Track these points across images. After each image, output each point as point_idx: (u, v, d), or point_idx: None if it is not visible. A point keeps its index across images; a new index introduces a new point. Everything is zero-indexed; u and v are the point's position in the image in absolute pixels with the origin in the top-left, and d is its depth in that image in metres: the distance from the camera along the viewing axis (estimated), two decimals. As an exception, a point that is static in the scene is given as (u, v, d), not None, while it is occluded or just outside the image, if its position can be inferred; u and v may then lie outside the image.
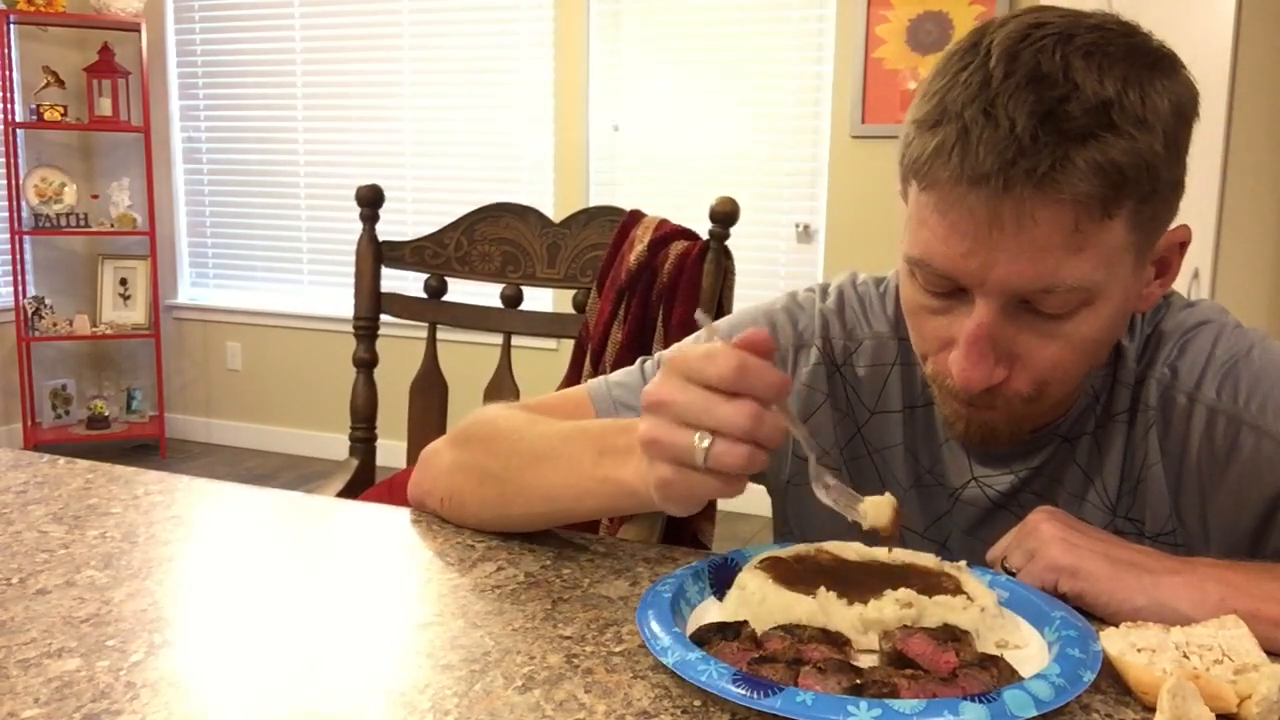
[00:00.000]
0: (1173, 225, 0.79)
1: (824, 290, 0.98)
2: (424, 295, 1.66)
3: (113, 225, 4.58)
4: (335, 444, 4.41)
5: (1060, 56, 0.70)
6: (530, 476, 0.84)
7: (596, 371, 1.51)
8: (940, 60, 0.76)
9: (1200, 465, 0.83)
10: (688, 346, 0.69)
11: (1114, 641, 0.63)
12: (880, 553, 0.75)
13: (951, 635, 0.64)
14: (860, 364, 0.94)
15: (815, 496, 0.71)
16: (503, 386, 1.60)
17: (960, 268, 0.74)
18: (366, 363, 1.67)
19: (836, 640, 0.65)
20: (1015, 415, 0.81)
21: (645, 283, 1.48)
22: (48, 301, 4.57)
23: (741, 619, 0.67)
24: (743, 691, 0.57)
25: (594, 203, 3.84)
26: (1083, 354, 0.78)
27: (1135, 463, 0.86)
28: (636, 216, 1.55)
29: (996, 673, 0.59)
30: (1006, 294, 0.74)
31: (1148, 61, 0.73)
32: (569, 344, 1.58)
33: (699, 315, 0.72)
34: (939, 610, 0.67)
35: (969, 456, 0.91)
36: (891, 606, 0.67)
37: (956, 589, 0.69)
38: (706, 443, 0.64)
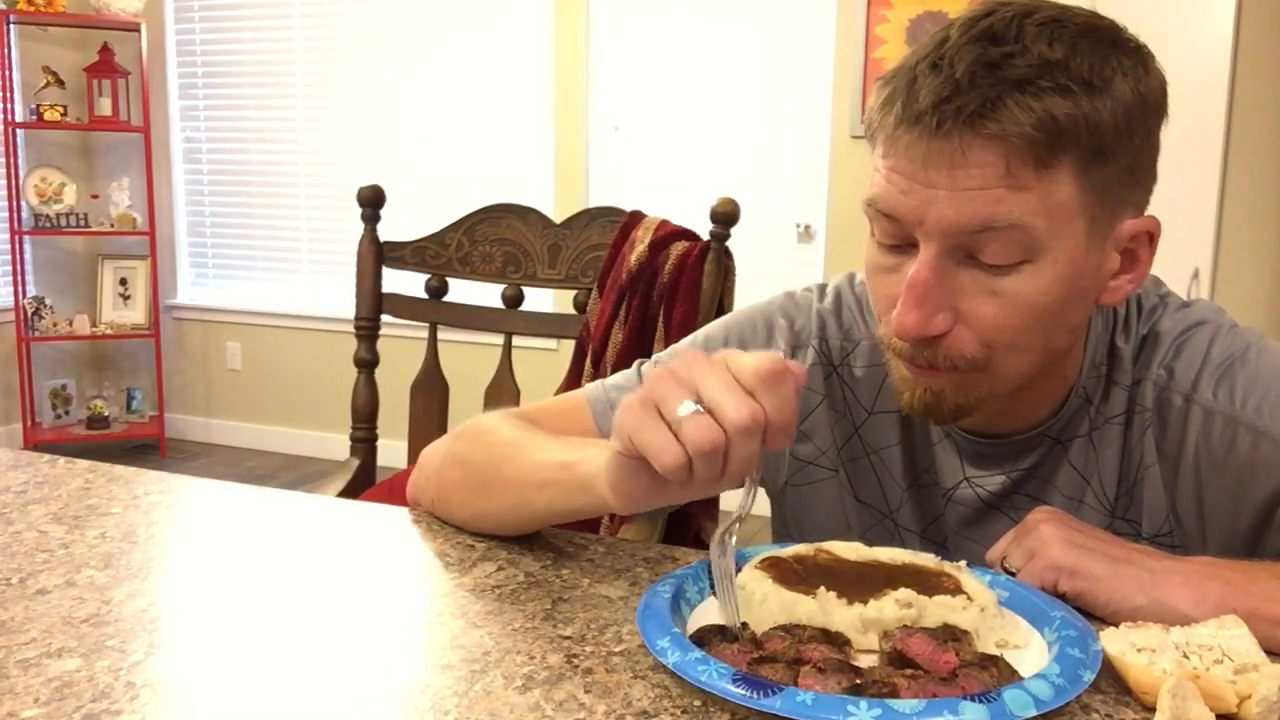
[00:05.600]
0: (1147, 215, 0.79)
1: (821, 290, 0.99)
2: (425, 295, 1.66)
3: (113, 225, 4.58)
4: (335, 444, 4.41)
5: (1016, 23, 0.73)
6: (506, 468, 0.84)
7: (597, 372, 1.51)
8: None
9: (1198, 466, 0.83)
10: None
11: (1114, 641, 0.63)
12: (880, 552, 0.75)
13: (951, 635, 0.64)
14: (857, 364, 0.94)
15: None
16: (503, 387, 1.60)
17: (901, 205, 0.75)
18: (368, 363, 1.68)
19: (836, 640, 0.65)
20: (961, 383, 0.80)
21: (646, 283, 1.48)
22: (48, 301, 4.57)
23: (741, 619, 0.67)
24: (743, 691, 0.57)
25: (594, 203, 3.83)
26: (1027, 318, 0.76)
27: (1132, 464, 0.86)
28: (637, 217, 1.55)
29: (996, 673, 0.60)
30: (945, 236, 0.74)
31: (1107, 39, 0.75)
32: (570, 344, 1.58)
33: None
34: (939, 610, 0.67)
35: (961, 457, 0.91)
36: (891, 606, 0.67)
37: (956, 589, 0.69)
38: (690, 409, 0.63)
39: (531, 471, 0.81)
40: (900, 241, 0.78)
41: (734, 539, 0.68)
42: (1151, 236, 0.81)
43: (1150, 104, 0.75)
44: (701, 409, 0.63)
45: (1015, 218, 0.72)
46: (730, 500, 0.70)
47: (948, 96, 0.71)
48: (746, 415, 0.62)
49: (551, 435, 0.87)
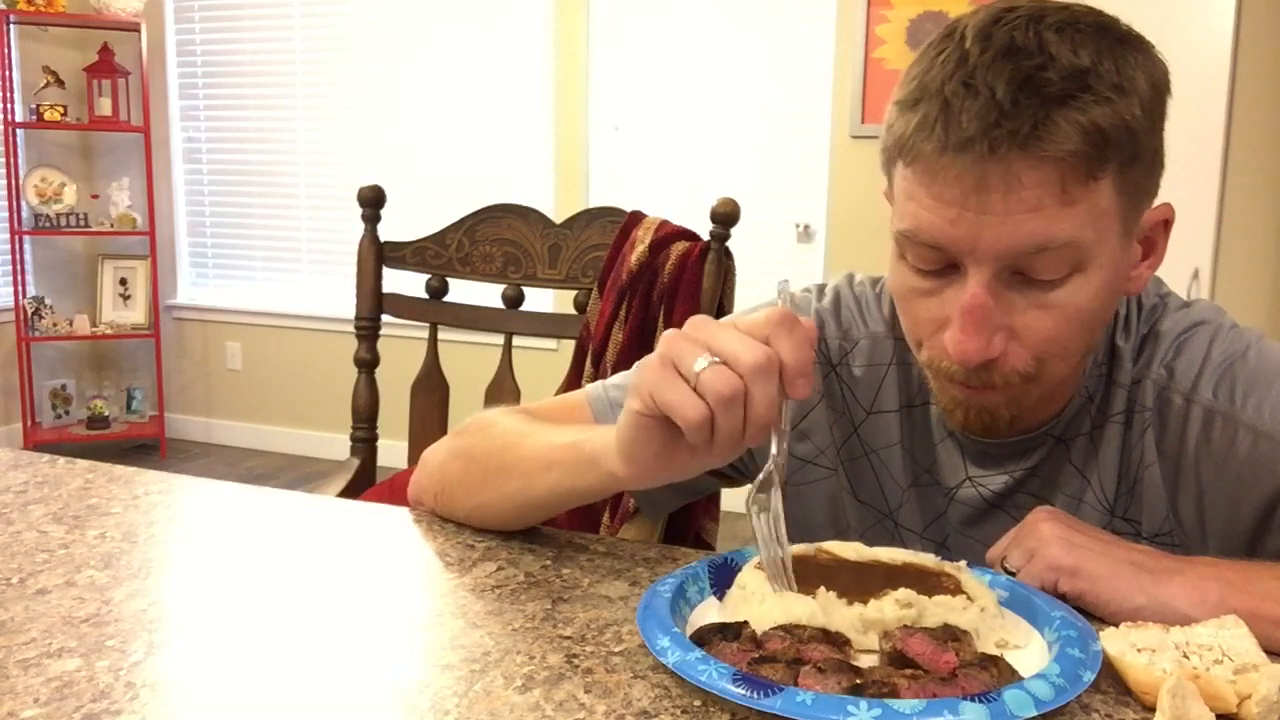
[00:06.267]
0: (1156, 204, 0.80)
1: (820, 290, 0.99)
2: (425, 295, 1.66)
3: (113, 225, 4.58)
4: (335, 444, 4.41)
5: (1034, 32, 0.72)
6: (509, 455, 0.85)
7: (597, 372, 1.51)
8: (918, 53, 0.78)
9: (1198, 466, 0.83)
10: None
11: (1114, 641, 0.63)
12: (880, 553, 0.75)
13: (951, 635, 0.64)
14: (856, 364, 0.94)
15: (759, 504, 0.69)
16: (503, 387, 1.60)
17: (948, 236, 0.74)
18: (368, 363, 1.68)
19: (836, 640, 0.65)
20: (1015, 396, 0.80)
21: (646, 283, 1.48)
22: (48, 301, 4.57)
23: (741, 619, 0.67)
24: (743, 691, 0.57)
25: (594, 203, 3.84)
26: (1077, 326, 0.77)
27: (1132, 463, 0.86)
28: (638, 217, 1.55)
29: (996, 673, 0.59)
30: (998, 259, 0.73)
31: (1118, 37, 0.74)
32: (570, 344, 1.58)
33: (780, 284, 0.73)
34: (939, 610, 0.67)
35: (964, 456, 0.91)
36: (891, 606, 0.67)
37: (956, 589, 0.69)
38: (706, 362, 0.64)
39: (537, 455, 0.82)
40: (940, 266, 0.77)
41: (777, 492, 0.68)
42: (1167, 223, 0.81)
43: (1161, 93, 0.75)
44: (717, 361, 0.64)
45: (1069, 235, 0.72)
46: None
47: (995, 121, 0.70)
48: (760, 356, 0.64)
49: (555, 425, 0.87)
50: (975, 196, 0.72)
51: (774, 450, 0.68)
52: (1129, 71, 0.72)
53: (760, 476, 0.68)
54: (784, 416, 0.66)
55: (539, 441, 0.83)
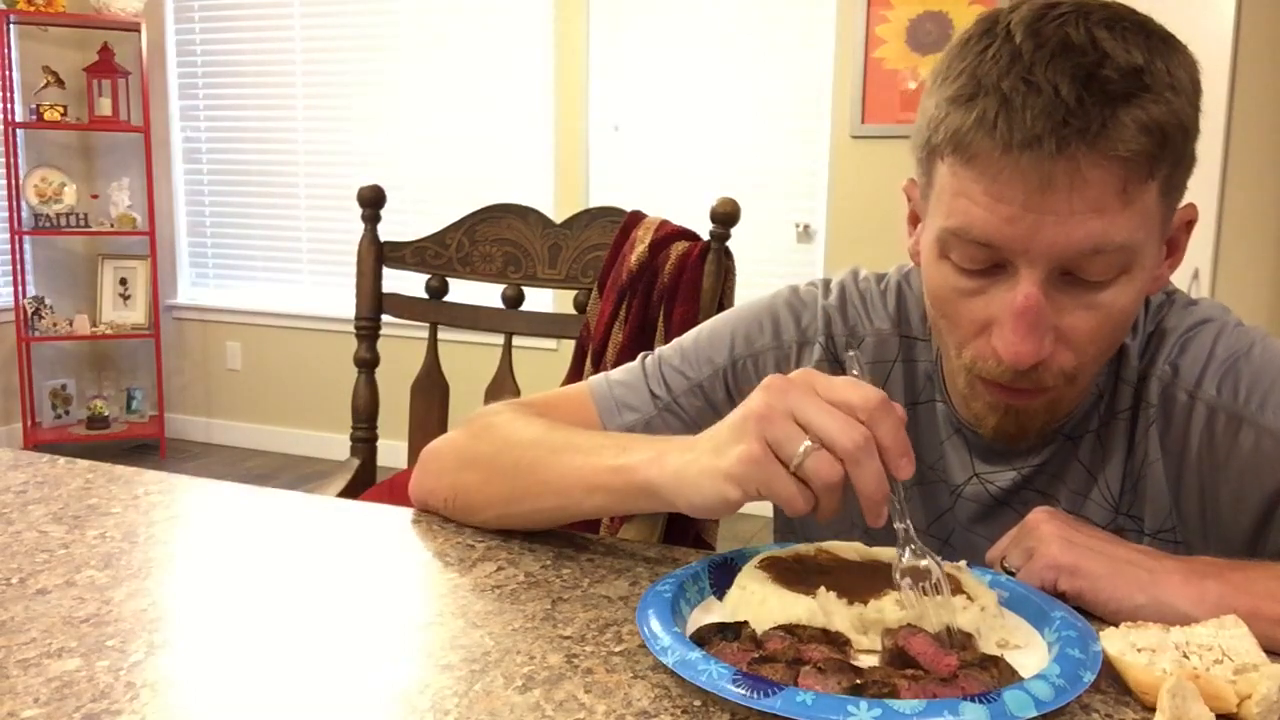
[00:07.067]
0: (1188, 203, 0.80)
1: (826, 286, 0.98)
2: (425, 295, 1.66)
3: (113, 225, 4.58)
4: (335, 444, 4.41)
5: (1084, 29, 0.71)
6: (543, 471, 0.84)
7: (597, 372, 1.51)
8: (954, 47, 0.76)
9: (1200, 462, 0.83)
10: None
11: (1114, 641, 0.63)
12: (880, 552, 0.75)
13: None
14: (862, 361, 0.94)
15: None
16: (504, 387, 1.60)
17: (1004, 234, 0.73)
18: (368, 363, 1.68)
19: (836, 640, 0.65)
20: (1054, 399, 0.80)
21: (646, 283, 1.48)
22: (48, 301, 4.57)
23: (741, 619, 0.67)
24: (743, 691, 0.57)
25: (593, 203, 3.84)
26: (1117, 327, 0.77)
27: (1136, 460, 0.86)
28: (637, 217, 1.55)
29: (996, 673, 0.59)
30: (1052, 260, 0.73)
31: (1160, 35, 0.74)
32: (570, 344, 1.58)
33: (849, 355, 0.74)
34: (939, 610, 0.67)
35: (971, 453, 0.91)
36: (891, 607, 0.67)
37: (956, 589, 0.69)
38: (806, 446, 0.65)
39: (574, 475, 0.81)
40: (987, 265, 0.76)
41: (926, 560, 0.67)
42: (1191, 223, 0.81)
43: (1199, 92, 0.75)
44: (815, 444, 0.65)
45: (1124, 237, 0.72)
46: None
47: (1063, 120, 0.69)
48: (859, 437, 0.65)
49: (578, 430, 0.87)
50: (1038, 195, 0.71)
51: (897, 525, 0.68)
52: (1177, 71, 0.72)
53: (899, 556, 0.68)
54: (898, 492, 0.67)
55: (574, 460, 0.82)
